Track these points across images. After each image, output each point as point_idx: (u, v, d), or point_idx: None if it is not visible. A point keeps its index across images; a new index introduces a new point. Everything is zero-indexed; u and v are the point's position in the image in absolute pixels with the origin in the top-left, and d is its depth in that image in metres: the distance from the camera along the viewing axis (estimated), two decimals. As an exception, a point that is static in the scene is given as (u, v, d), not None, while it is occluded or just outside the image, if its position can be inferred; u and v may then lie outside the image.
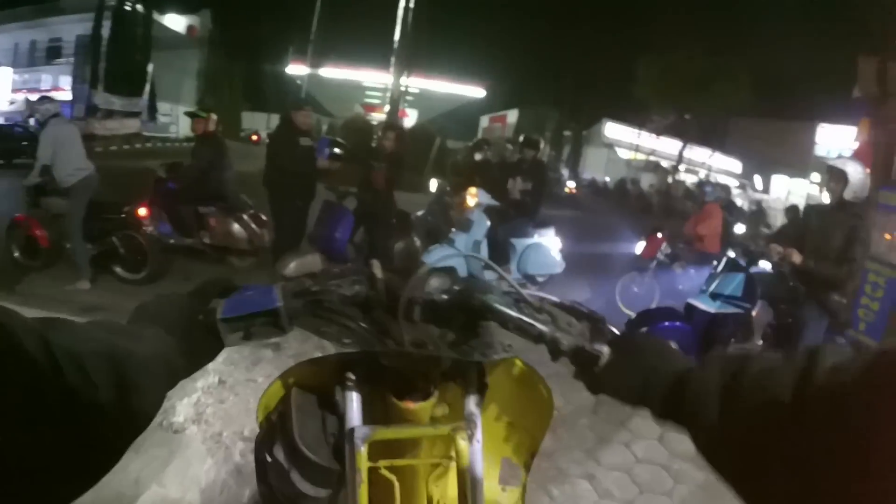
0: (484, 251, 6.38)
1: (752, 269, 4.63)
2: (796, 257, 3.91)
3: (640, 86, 34.46)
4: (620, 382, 0.76)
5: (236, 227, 6.46)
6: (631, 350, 0.78)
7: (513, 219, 6.79)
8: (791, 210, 8.37)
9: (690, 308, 4.63)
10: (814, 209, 4.85)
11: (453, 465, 0.90)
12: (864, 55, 6.93)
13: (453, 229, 6.39)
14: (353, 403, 0.89)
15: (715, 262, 4.88)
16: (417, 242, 6.80)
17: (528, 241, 6.85)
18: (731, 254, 4.71)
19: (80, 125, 25.38)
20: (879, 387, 0.46)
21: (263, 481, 0.98)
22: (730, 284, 4.51)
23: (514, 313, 0.82)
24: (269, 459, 0.96)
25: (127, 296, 5.28)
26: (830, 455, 0.48)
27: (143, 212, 5.96)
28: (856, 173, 3.86)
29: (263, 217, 6.74)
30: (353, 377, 0.90)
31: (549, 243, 7.06)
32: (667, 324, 4.61)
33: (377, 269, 0.88)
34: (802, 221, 5.11)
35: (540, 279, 6.95)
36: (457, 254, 6.14)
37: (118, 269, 5.94)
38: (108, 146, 25.70)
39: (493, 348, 0.87)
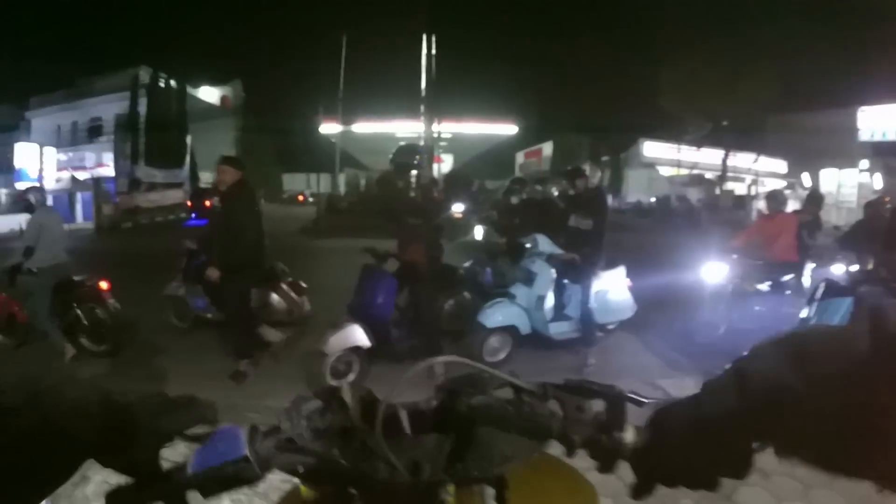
0: (549, 304, 5.81)
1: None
2: None
3: (669, 98, 33.72)
4: (660, 464, 0.65)
5: (275, 297, 6.18)
6: (664, 423, 0.65)
7: (577, 264, 5.81)
8: (871, 206, 7.47)
9: None
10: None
11: None
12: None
13: (516, 282, 5.87)
14: None
15: (810, 287, 4.31)
16: (468, 298, 6.31)
17: (597, 286, 5.98)
18: (833, 275, 4.16)
19: (124, 199, 26.50)
20: None
21: None
22: (837, 312, 3.89)
23: (511, 413, 0.72)
24: None
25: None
26: None
27: (104, 285, 5.93)
28: None
29: (303, 284, 6.45)
30: (358, 494, 0.76)
31: (619, 285, 6.29)
32: None
33: (347, 394, 0.78)
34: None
35: (611, 327, 6.26)
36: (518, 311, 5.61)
37: (83, 341, 5.89)
38: (154, 217, 26.44)
39: (491, 460, 0.75)
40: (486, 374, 0.78)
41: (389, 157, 5.66)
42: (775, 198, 7.02)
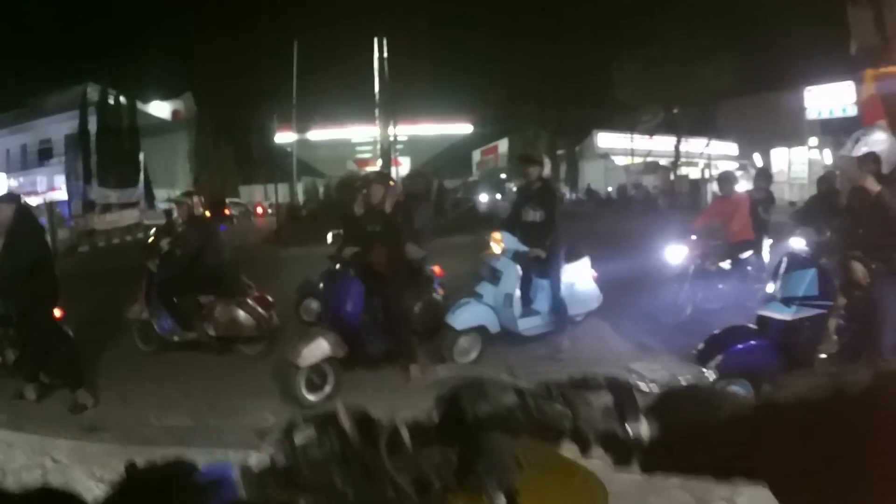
0: (517, 301, 5.75)
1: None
2: None
3: (621, 89, 34.23)
4: (676, 456, 0.65)
5: (241, 313, 6.06)
6: (675, 412, 0.66)
7: (542, 260, 5.80)
8: (824, 181, 7.69)
9: (763, 319, 4.14)
10: (857, 191, 4.40)
11: None
12: (853, 5, 6.69)
13: (482, 281, 5.88)
14: None
15: (777, 261, 4.44)
16: (439, 297, 6.29)
17: (563, 279, 5.96)
18: (795, 248, 4.30)
19: (79, 221, 25.65)
20: None
21: None
22: (801, 283, 4.03)
23: (519, 416, 0.69)
24: None
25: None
26: None
27: (57, 313, 5.29)
28: (881, 143, 3.79)
29: (269, 298, 6.35)
30: None
31: (584, 276, 6.36)
32: (740, 346, 4.08)
33: (343, 416, 0.71)
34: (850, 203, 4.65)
35: (578, 318, 6.32)
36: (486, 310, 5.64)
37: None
38: (111, 239, 25.71)
39: (503, 469, 0.69)
40: (486, 381, 0.74)
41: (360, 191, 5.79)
42: (726, 179, 7.24)
